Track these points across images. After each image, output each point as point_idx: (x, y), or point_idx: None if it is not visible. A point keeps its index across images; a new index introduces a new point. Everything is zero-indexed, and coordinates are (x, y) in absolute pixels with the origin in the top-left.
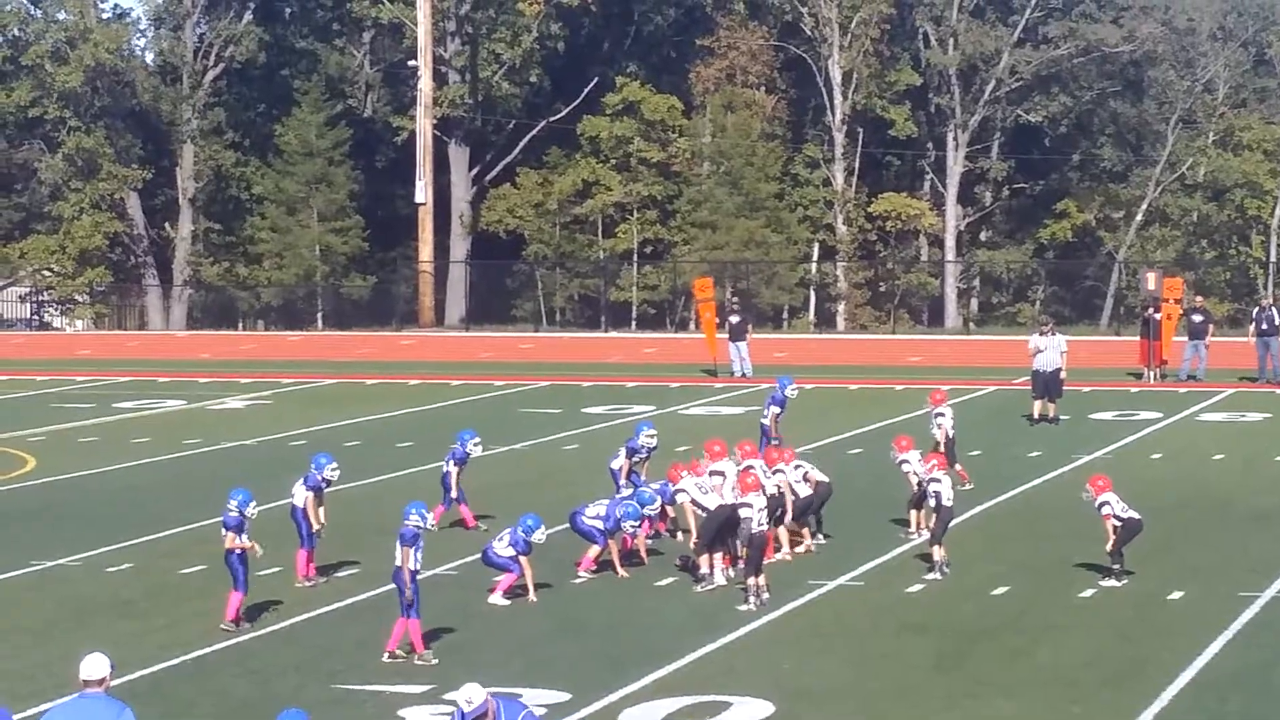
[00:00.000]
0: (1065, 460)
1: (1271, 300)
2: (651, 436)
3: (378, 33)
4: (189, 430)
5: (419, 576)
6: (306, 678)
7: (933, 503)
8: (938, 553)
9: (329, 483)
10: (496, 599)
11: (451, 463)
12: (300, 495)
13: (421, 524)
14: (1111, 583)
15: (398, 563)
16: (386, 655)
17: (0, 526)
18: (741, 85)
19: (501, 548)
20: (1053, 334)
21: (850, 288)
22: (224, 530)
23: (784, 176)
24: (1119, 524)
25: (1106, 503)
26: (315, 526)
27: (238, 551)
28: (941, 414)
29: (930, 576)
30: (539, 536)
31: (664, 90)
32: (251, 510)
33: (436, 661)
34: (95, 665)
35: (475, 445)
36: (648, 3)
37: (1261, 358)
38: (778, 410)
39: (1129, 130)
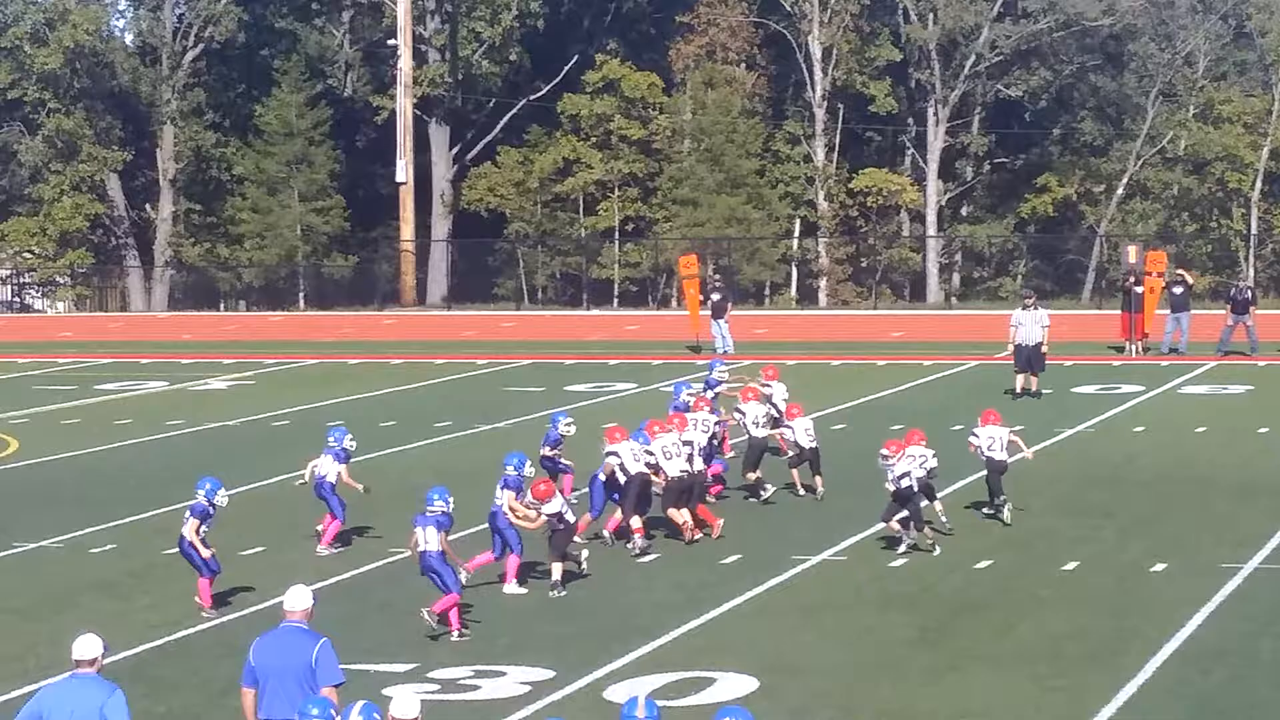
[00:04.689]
0: (1047, 434)
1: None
2: (569, 425)
3: (357, 12)
4: (172, 411)
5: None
6: None
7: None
8: (909, 532)
9: (348, 452)
10: (512, 588)
11: (547, 447)
12: (331, 470)
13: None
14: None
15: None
16: (456, 634)
17: None
18: (721, 62)
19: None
20: (1035, 308)
21: (832, 263)
22: (188, 517)
23: (765, 153)
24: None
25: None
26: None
27: (189, 540)
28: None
29: (903, 548)
30: (529, 469)
31: (644, 67)
32: (221, 498)
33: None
34: (88, 646)
35: (568, 425)
36: None
37: (1228, 329)
38: (710, 394)
39: (1109, 104)
